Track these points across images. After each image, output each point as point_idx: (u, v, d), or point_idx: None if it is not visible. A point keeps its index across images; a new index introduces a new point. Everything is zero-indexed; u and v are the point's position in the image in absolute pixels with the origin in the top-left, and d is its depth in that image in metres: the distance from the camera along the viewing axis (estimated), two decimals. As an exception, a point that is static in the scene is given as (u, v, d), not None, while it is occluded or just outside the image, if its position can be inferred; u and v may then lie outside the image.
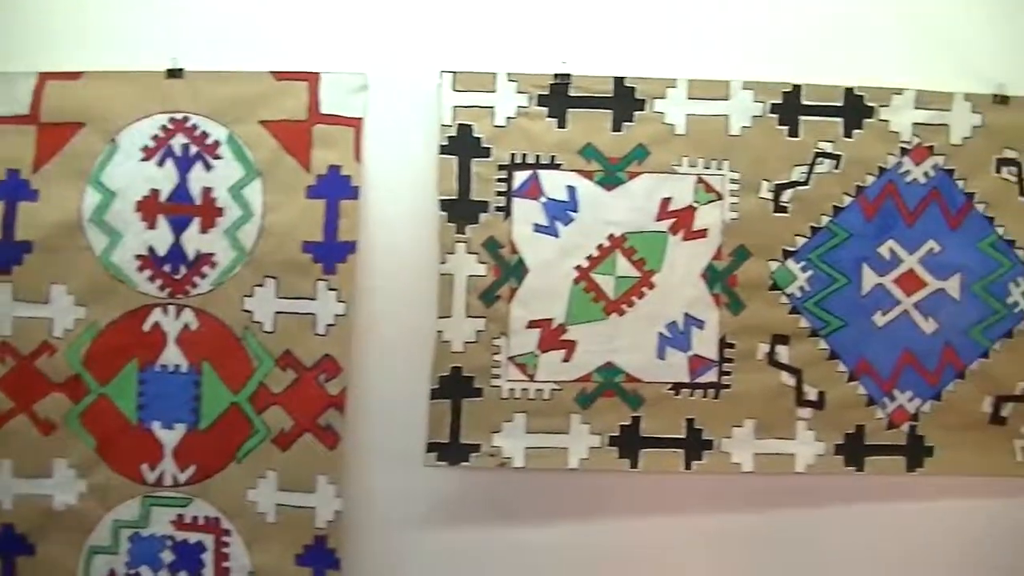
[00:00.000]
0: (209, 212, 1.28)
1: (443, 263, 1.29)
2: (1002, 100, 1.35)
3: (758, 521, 1.35)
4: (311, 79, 1.30)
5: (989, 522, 1.37)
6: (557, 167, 1.31)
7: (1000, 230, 1.35)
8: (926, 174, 1.34)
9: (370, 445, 1.32)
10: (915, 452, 1.35)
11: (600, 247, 1.31)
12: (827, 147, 1.33)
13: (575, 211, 1.31)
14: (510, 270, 1.30)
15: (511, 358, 1.31)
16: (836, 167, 1.33)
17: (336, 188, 1.29)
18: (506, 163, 1.31)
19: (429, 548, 1.33)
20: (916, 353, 1.34)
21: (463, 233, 1.29)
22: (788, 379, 1.33)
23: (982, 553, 1.37)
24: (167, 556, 1.27)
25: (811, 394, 1.33)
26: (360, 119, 1.30)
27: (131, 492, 1.27)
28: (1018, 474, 1.36)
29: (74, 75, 1.27)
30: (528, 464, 1.31)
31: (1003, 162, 1.35)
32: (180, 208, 1.27)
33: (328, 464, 1.29)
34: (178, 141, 1.28)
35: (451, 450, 1.30)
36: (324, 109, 1.30)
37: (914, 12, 1.33)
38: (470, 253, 1.29)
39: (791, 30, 1.33)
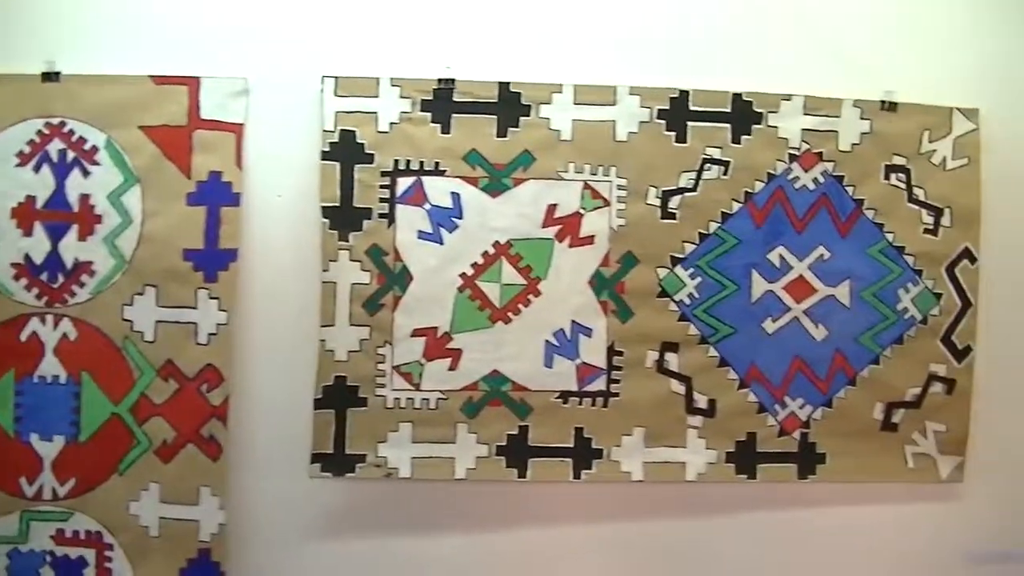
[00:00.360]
0: (87, 219, 1.34)
1: (326, 271, 1.35)
2: (890, 107, 1.43)
3: (648, 530, 1.42)
4: (191, 84, 1.36)
5: (881, 528, 1.44)
6: (441, 173, 1.37)
7: (889, 236, 1.43)
8: (815, 180, 1.42)
9: (254, 456, 1.38)
10: (807, 459, 1.43)
11: (485, 254, 1.38)
12: (715, 153, 1.40)
13: (460, 218, 1.38)
14: (394, 278, 1.37)
15: (396, 367, 1.37)
16: (724, 173, 1.40)
17: (217, 195, 1.35)
18: (389, 169, 1.37)
19: (315, 560, 1.39)
20: (807, 360, 1.42)
21: (346, 240, 1.35)
22: (678, 387, 1.40)
23: (875, 559, 1.45)
24: (47, 572, 1.32)
25: (701, 402, 1.41)
26: (241, 124, 1.36)
27: (9, 507, 1.32)
28: (909, 480, 1.44)
29: (-54, 79, 1.32)
30: (415, 474, 1.37)
31: (892, 168, 1.43)
32: (57, 215, 1.33)
33: (211, 476, 1.34)
34: (55, 146, 1.33)
35: (336, 461, 1.36)
36: (204, 114, 1.36)
37: (802, 18, 1.41)
38: (353, 261, 1.35)
39: (679, 35, 1.41)
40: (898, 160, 1.42)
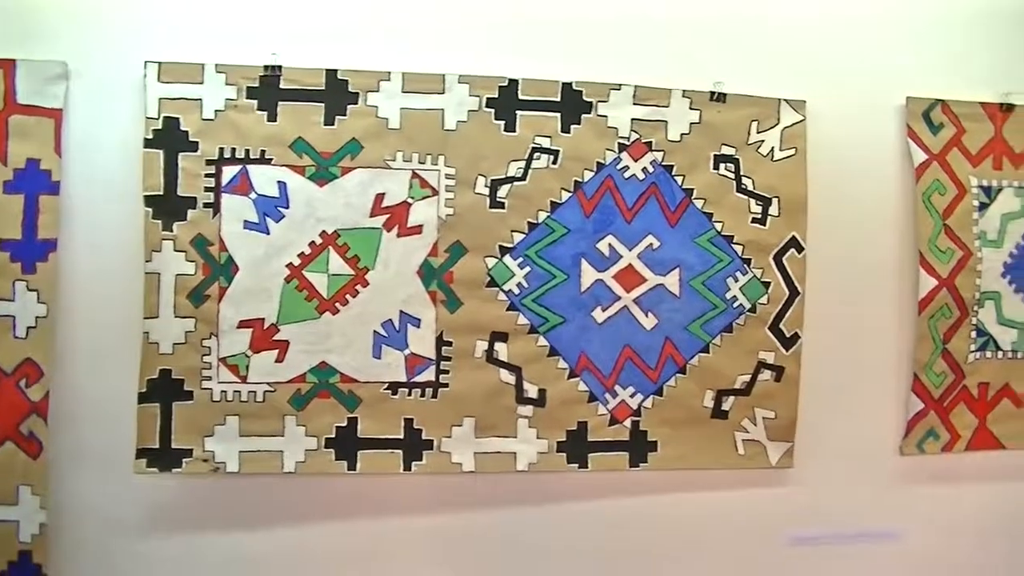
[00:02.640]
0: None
1: (149, 261, 2.01)
2: (719, 98, 2.18)
3: (480, 521, 2.13)
4: (6, 66, 1.96)
5: (712, 514, 2.21)
6: (268, 162, 2.05)
7: (718, 226, 2.18)
8: (644, 170, 2.17)
9: (77, 453, 2.02)
10: (638, 448, 2.16)
11: (312, 244, 2.07)
12: (544, 142, 2.12)
13: (286, 207, 2.07)
14: (219, 268, 2.05)
15: (222, 359, 2.04)
16: (554, 162, 2.13)
17: (35, 183, 1.97)
18: (215, 158, 2.02)
19: (143, 559, 2.05)
20: (637, 349, 2.16)
21: (170, 230, 2.02)
22: (508, 377, 2.12)
23: (706, 545, 2.22)
24: None
25: (531, 392, 2.12)
26: (60, 110, 1.99)
27: None
28: (740, 466, 2.19)
29: None
30: (242, 469, 2.04)
31: (720, 159, 2.18)
32: None
33: (31, 474, 1.94)
34: None
35: (162, 456, 2.03)
36: (21, 99, 1.98)
37: (633, 9, 2.15)
38: (178, 251, 2.03)
39: (509, 24, 2.11)
40: (727, 150, 2.16)
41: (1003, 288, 2.26)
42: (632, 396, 2.09)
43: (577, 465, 2.09)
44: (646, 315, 2.09)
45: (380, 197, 2.01)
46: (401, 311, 2.02)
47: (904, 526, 2.27)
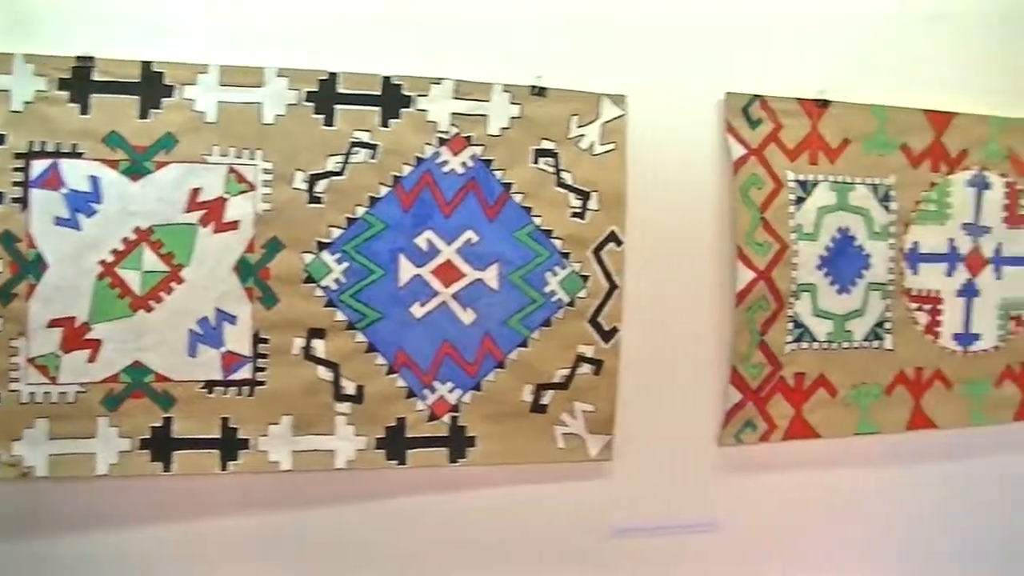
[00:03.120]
0: None
1: None
2: (540, 92, 3.36)
3: (299, 520, 3.11)
4: None
5: (533, 508, 3.39)
6: (79, 156, 2.90)
7: (537, 220, 3.36)
8: (464, 164, 3.35)
9: None
10: (457, 443, 3.20)
11: (125, 240, 3.06)
12: (364, 136, 3.20)
13: (98, 203, 3.07)
14: (28, 266, 2.97)
15: (31, 360, 2.82)
16: (373, 157, 3.22)
17: None
18: (23, 151, 2.74)
19: None
20: (455, 344, 3.30)
21: None
22: (325, 374, 3.15)
23: (527, 539, 3.45)
24: None
25: (349, 388, 3.16)
26: None
27: None
28: (560, 460, 3.25)
29: None
30: (53, 472, 2.79)
31: (540, 153, 3.31)
32: None
33: None
34: None
35: None
36: None
37: (453, 2, 3.31)
38: None
39: (328, 17, 3.01)
40: (547, 144, 3.29)
41: (819, 280, 3.40)
42: (451, 391, 3.11)
43: (396, 462, 2.99)
44: (465, 310, 3.13)
45: (196, 192, 2.90)
46: (217, 308, 2.95)
47: (723, 516, 3.32)
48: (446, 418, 3.09)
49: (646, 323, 3.20)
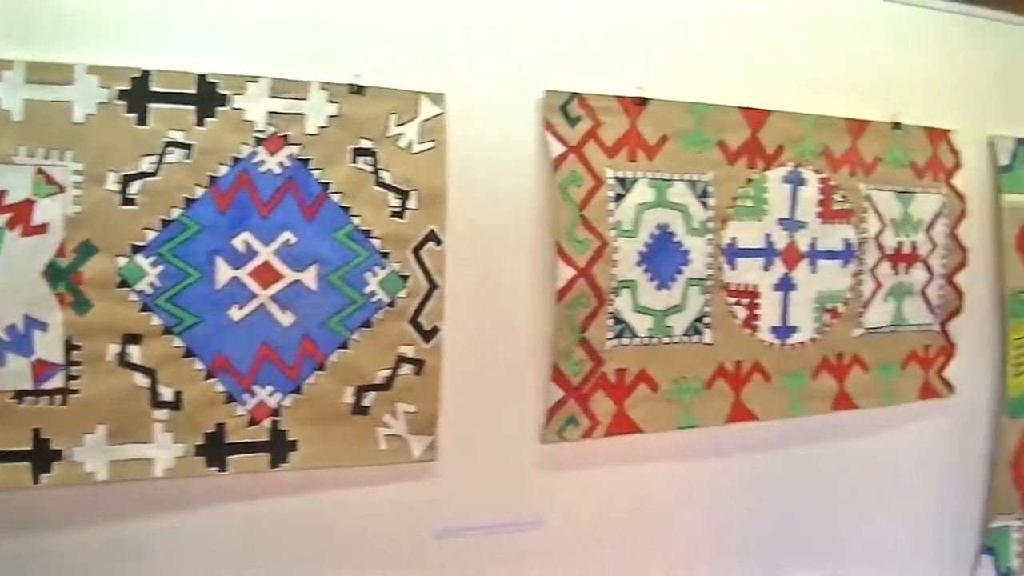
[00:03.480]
0: None
1: None
2: (358, 90, 3.57)
3: (117, 532, 3.31)
4: None
5: (359, 512, 3.54)
6: None
7: (356, 220, 3.55)
8: (281, 164, 3.52)
9: None
10: (279, 448, 3.36)
11: None
12: (178, 136, 3.29)
13: None
14: None
15: None
16: (188, 157, 3.33)
17: None
18: None
19: None
20: (275, 347, 3.48)
21: None
22: (142, 380, 3.25)
23: (352, 543, 3.62)
24: None
25: (167, 394, 3.28)
26: None
27: None
28: (383, 462, 3.42)
29: None
30: None
31: (359, 152, 3.50)
32: None
33: None
34: None
35: None
36: None
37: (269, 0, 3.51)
38: None
39: (141, 13, 3.28)
40: (365, 143, 3.46)
41: (639, 276, 3.62)
42: (271, 395, 3.26)
43: (216, 468, 3.10)
44: (283, 312, 3.26)
45: (2, 195, 2.91)
46: (26, 315, 2.98)
47: (547, 513, 3.51)
48: (267, 422, 3.22)
49: (467, 322, 3.38)
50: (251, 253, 3.19)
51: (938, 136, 4.24)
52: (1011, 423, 4.55)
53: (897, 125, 4.05)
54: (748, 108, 3.51)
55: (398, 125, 3.32)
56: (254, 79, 3.15)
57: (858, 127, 3.81)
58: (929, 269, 4.26)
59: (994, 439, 4.60)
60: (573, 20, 3.43)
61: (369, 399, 3.34)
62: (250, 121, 3.17)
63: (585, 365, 3.58)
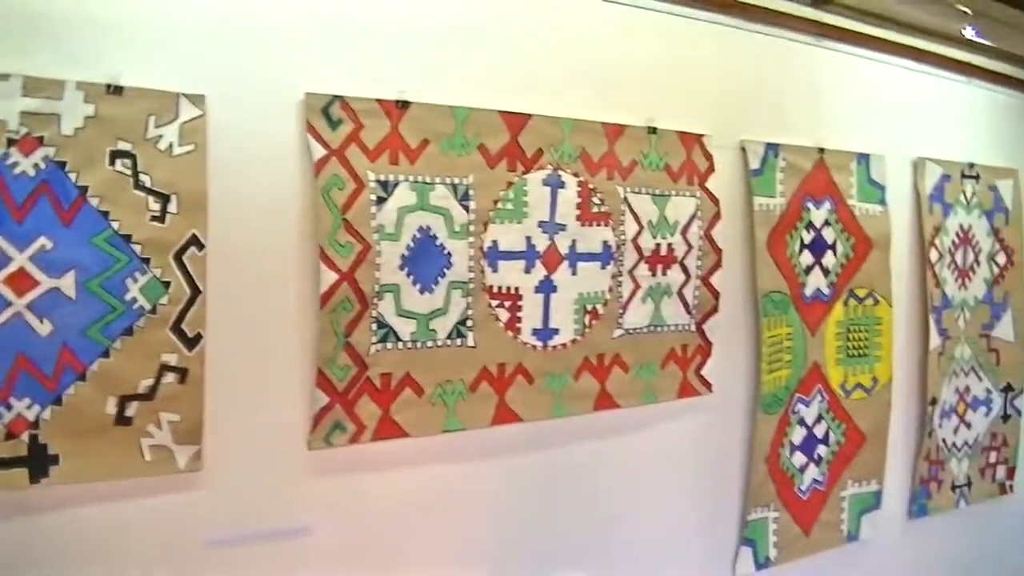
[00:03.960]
0: None
1: None
2: (116, 91, 3.62)
3: None
4: None
5: (123, 525, 3.49)
6: None
7: (115, 225, 3.61)
8: (36, 166, 3.53)
9: None
10: (39, 462, 3.32)
11: None
12: None
13: None
14: None
15: None
16: None
17: None
18: None
19: None
20: (32, 357, 3.47)
21: None
22: None
23: (119, 557, 3.71)
24: None
25: None
26: None
27: None
28: (148, 473, 3.48)
29: None
30: None
31: (117, 154, 3.55)
32: None
33: None
34: None
35: None
36: None
37: None
38: None
39: None
40: (123, 146, 3.52)
41: (402, 280, 3.76)
42: (29, 407, 3.23)
43: None
44: (41, 321, 3.27)
45: None
46: None
47: (317, 520, 3.63)
48: (25, 436, 3.22)
49: (231, 329, 3.47)
50: (5, 259, 3.20)
51: (691, 140, 4.54)
52: (765, 418, 4.88)
53: (652, 130, 4.31)
54: (508, 112, 3.68)
55: (157, 127, 3.39)
56: (4, 77, 3.16)
57: (615, 131, 4.04)
58: (685, 270, 4.53)
59: (750, 434, 4.93)
60: (334, 22, 3.56)
61: (132, 409, 3.38)
62: (2, 121, 3.18)
63: (350, 370, 3.71)
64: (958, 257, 5.89)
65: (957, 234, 5.88)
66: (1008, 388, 6.33)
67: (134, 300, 3.39)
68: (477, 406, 3.78)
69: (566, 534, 3.91)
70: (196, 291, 3.44)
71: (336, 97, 3.64)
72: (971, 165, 5.92)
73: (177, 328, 3.44)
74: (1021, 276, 6.29)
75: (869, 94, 5.36)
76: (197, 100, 3.42)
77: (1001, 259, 6.14)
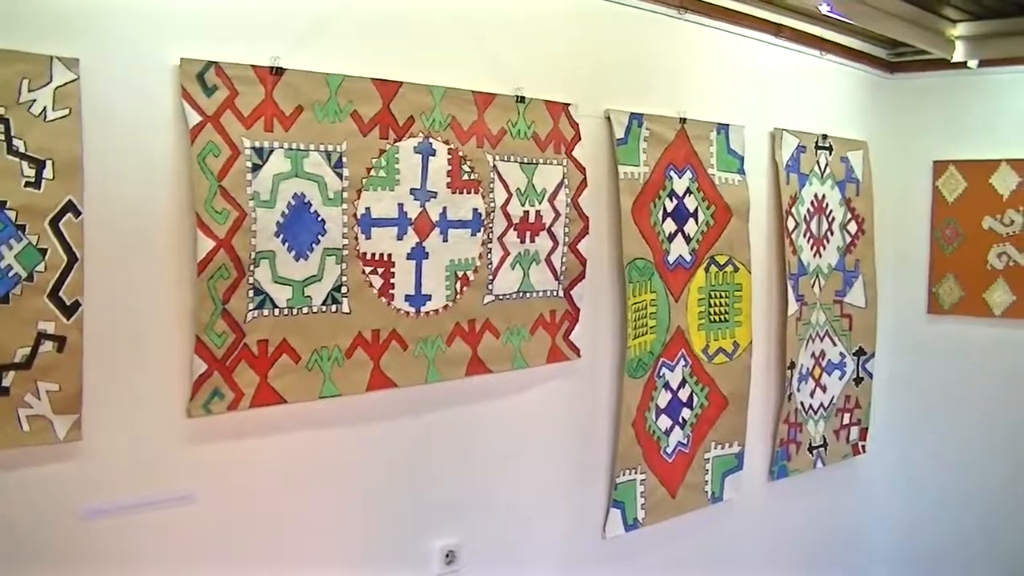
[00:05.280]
0: None
1: None
2: None
3: None
4: None
5: (3, 498, 3.69)
6: None
7: None
8: None
9: None
10: None
11: None
12: None
13: None
14: None
15: None
16: None
17: None
18: None
19: None
20: None
21: None
22: None
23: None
24: None
25: None
26: None
27: None
28: (26, 444, 3.32)
29: None
30: None
31: None
32: None
33: None
34: None
35: None
36: None
37: None
38: None
39: None
40: None
41: (277, 247, 3.75)
42: None
43: None
44: None
45: None
46: None
47: (199, 488, 3.66)
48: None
49: (109, 296, 3.48)
50: None
51: (558, 110, 4.66)
52: (632, 383, 5.04)
53: (521, 99, 4.43)
54: (381, 80, 3.74)
55: (31, 91, 3.35)
56: None
57: (484, 100, 4.15)
58: (553, 237, 4.66)
59: (617, 399, 5.11)
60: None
61: (9, 379, 3.35)
62: None
63: (228, 337, 3.73)
64: (813, 226, 6.13)
65: (812, 203, 6.11)
66: (860, 352, 6.57)
67: (9, 268, 3.35)
68: (352, 372, 3.83)
69: (440, 499, 4.03)
70: (73, 258, 3.42)
71: (211, 63, 3.63)
72: (824, 137, 6.15)
73: (55, 296, 3.40)
74: (871, 245, 6.51)
75: (729, 66, 5.55)
76: (71, 64, 3.39)
77: (852, 228, 6.39)
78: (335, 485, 3.87)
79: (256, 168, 3.75)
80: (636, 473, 4.74)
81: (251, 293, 3.77)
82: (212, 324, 3.70)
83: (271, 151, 3.80)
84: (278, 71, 3.80)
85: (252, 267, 3.75)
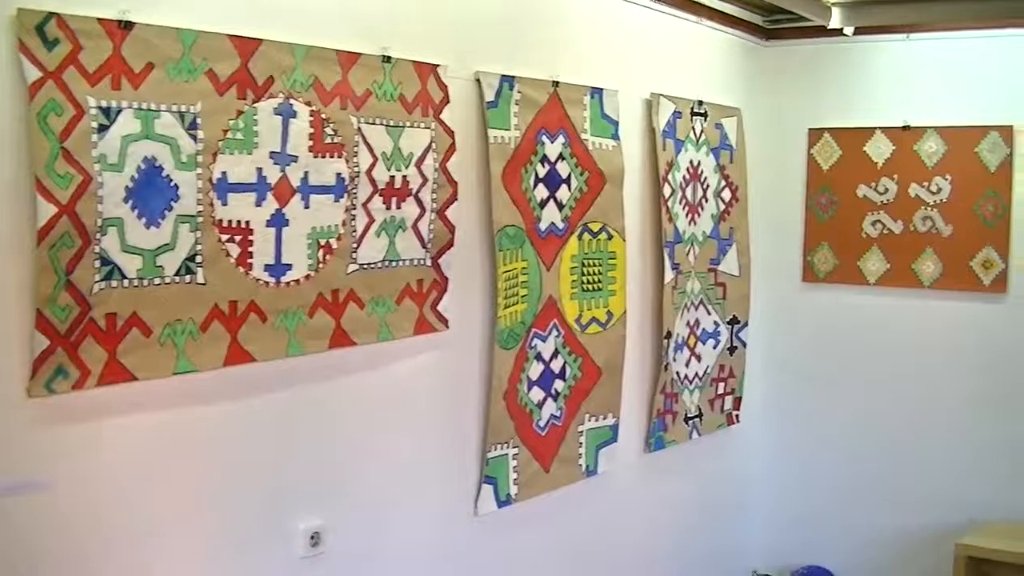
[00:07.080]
0: None
1: None
2: None
3: None
4: None
5: None
6: None
7: None
8: None
9: None
10: None
11: None
12: None
13: None
14: None
15: None
16: None
17: None
18: None
19: None
20: None
21: None
22: None
23: None
24: None
25: None
26: None
27: None
28: None
29: None
30: None
31: None
32: None
33: None
34: None
35: None
36: None
37: None
38: None
39: None
40: None
41: (126, 214, 3.53)
42: None
43: None
44: None
45: None
46: None
47: (48, 473, 3.44)
48: None
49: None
50: None
51: (427, 71, 4.48)
52: (503, 354, 4.88)
53: (387, 59, 4.24)
54: (238, 36, 3.51)
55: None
56: None
57: (349, 59, 4.13)
58: (420, 204, 4.48)
59: (488, 370, 4.98)
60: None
61: None
62: None
63: (72, 311, 3.48)
64: (688, 193, 6.04)
65: (688, 170, 6.03)
66: (734, 321, 6.54)
67: None
68: (209, 346, 3.61)
69: (305, 477, 3.83)
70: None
71: (52, 14, 3.37)
72: (700, 103, 6.06)
73: None
74: (745, 213, 6.46)
75: (604, 30, 5.45)
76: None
77: (727, 195, 6.33)
78: (194, 465, 3.75)
79: (103, 129, 3.52)
80: (508, 447, 4.58)
81: (98, 263, 3.53)
82: (55, 297, 3.44)
83: (119, 111, 3.57)
84: (127, 25, 3.56)
85: (98, 235, 3.51)
